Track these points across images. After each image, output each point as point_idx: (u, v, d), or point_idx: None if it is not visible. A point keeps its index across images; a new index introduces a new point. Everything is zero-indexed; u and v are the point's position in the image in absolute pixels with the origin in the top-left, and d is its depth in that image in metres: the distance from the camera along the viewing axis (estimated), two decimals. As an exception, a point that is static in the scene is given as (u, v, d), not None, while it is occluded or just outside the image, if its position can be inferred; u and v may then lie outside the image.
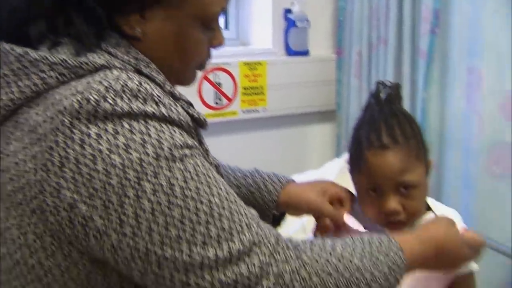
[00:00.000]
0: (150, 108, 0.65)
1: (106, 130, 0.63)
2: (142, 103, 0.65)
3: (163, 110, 0.67)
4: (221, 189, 0.69)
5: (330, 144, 2.28)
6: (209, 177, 0.69)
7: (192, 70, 0.84)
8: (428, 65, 1.73)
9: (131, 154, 0.63)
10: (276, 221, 1.09)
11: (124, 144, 0.63)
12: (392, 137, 0.93)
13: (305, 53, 2.13)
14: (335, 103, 2.19)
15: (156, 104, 0.66)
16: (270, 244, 0.70)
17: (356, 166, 0.97)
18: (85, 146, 0.63)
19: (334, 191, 1.01)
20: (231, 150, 2.03)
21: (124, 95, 0.64)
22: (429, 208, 1.00)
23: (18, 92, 0.66)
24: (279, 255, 0.69)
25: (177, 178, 0.65)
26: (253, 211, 0.73)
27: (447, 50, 1.69)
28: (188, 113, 0.73)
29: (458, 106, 1.66)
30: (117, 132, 0.63)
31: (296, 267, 0.70)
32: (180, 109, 0.70)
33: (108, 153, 0.63)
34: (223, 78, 1.97)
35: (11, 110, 0.67)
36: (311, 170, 1.99)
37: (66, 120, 0.63)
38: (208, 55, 0.83)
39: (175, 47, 0.76)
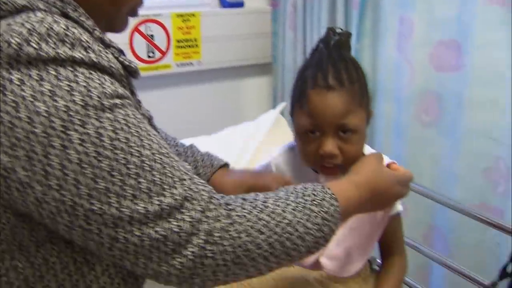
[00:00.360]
0: (78, 53, 0.62)
1: (30, 76, 0.60)
2: (69, 48, 0.61)
3: (92, 56, 0.63)
4: (152, 141, 0.67)
5: (266, 96, 2.28)
6: (141, 128, 0.66)
7: (123, 15, 0.80)
8: (360, 16, 1.73)
9: (56, 101, 0.60)
10: None
11: (49, 90, 0.60)
12: (338, 79, 0.93)
13: (240, 4, 2.09)
14: (271, 55, 2.18)
15: (85, 49, 0.63)
16: (202, 200, 0.68)
17: (299, 105, 0.97)
18: (7, 93, 0.59)
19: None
20: (165, 104, 1.99)
21: (49, 39, 0.61)
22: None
23: None
24: (211, 212, 0.68)
25: (106, 128, 0.62)
26: (187, 166, 0.71)
27: (379, 0, 1.70)
28: (119, 61, 0.70)
29: (389, 56, 1.69)
30: (42, 78, 0.60)
31: (226, 225, 0.68)
32: (110, 56, 0.67)
33: (32, 100, 0.59)
34: (155, 30, 1.90)
35: None
36: (246, 122, 1.99)
37: None
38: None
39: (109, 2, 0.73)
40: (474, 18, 1.43)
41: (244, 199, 0.73)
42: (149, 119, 0.80)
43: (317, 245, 0.76)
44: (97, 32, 0.69)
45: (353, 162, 0.96)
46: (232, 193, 0.85)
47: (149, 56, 1.91)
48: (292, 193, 0.76)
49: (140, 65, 1.83)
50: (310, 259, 1.06)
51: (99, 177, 0.61)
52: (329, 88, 0.92)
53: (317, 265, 1.06)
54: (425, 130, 1.61)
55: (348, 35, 1.01)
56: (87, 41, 0.63)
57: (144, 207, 0.63)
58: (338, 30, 1.00)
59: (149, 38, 1.90)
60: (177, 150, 1.08)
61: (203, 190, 0.69)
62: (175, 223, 0.65)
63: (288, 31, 2.06)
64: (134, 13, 0.81)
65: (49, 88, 0.60)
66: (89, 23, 0.68)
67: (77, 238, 0.65)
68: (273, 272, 0.75)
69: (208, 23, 2.01)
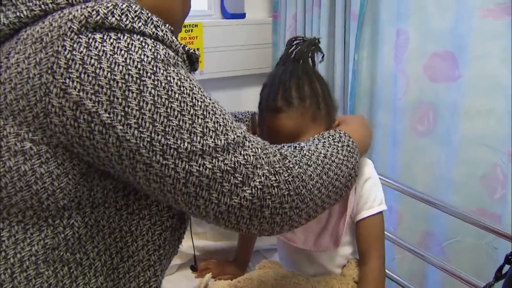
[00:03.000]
0: (149, 29, 0.72)
1: (110, 36, 0.69)
2: (143, 24, 0.72)
3: (160, 33, 0.73)
4: (207, 96, 0.75)
5: (266, 106, 2.31)
6: (196, 83, 0.75)
7: (179, 24, 0.92)
8: (359, 27, 1.77)
9: (132, 54, 0.68)
10: None
11: (125, 47, 0.69)
12: (286, 100, 0.96)
13: (241, 16, 2.13)
14: (271, 66, 2.22)
15: (155, 27, 0.73)
16: (257, 141, 0.77)
17: (260, 124, 1.03)
18: (91, 48, 0.67)
19: None
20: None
21: (129, 14, 0.71)
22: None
23: (27, 10, 0.71)
24: (267, 149, 0.77)
25: (173, 77, 0.71)
26: (238, 122, 0.83)
27: (377, 12, 1.74)
28: (184, 49, 0.79)
29: (386, 67, 1.72)
30: (119, 38, 0.69)
31: (281, 159, 0.78)
32: (175, 39, 0.75)
33: (111, 53, 0.68)
34: (159, 39, 1.94)
35: (15, 29, 0.71)
36: (248, 131, 2.02)
37: (74, 27, 0.67)
38: (189, 7, 0.92)
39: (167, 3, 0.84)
40: (470, 31, 1.47)
41: (282, 146, 0.84)
42: None
43: (351, 177, 0.90)
44: (153, 16, 0.76)
45: None
46: None
47: (152, 65, 1.94)
48: (313, 139, 0.90)
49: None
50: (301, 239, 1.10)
51: (172, 115, 0.69)
52: (278, 111, 0.96)
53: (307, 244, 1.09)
54: (421, 139, 1.64)
55: (312, 43, 1.02)
56: (157, 21, 0.74)
57: (214, 141, 0.71)
58: (296, 42, 1.02)
59: (153, 48, 1.93)
60: None
61: (257, 141, 0.78)
62: (241, 156, 0.73)
63: (288, 42, 2.10)
64: None
65: (125, 45, 0.69)
66: (156, 18, 0.76)
67: (154, 178, 0.71)
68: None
69: (210, 34, 2.05)
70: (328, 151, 0.87)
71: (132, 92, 0.68)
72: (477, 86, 1.48)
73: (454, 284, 1.33)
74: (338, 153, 0.88)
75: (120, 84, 0.67)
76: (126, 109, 0.67)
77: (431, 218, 1.61)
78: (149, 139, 0.68)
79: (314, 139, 0.90)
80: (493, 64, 1.44)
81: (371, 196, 1.07)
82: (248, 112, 1.26)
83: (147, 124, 0.68)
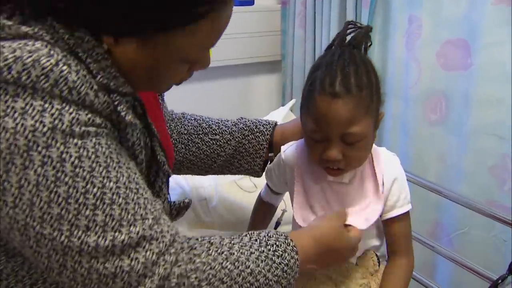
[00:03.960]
0: (57, 90, 0.62)
1: (6, 93, 0.60)
2: (50, 84, 0.61)
3: (74, 95, 0.63)
4: (122, 174, 0.66)
5: (275, 94, 2.29)
6: (112, 160, 0.66)
7: (164, 88, 0.82)
8: (371, 14, 1.74)
9: (25, 120, 0.60)
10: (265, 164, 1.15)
11: (21, 108, 0.60)
12: (345, 86, 0.89)
13: (250, 2, 2.10)
14: (280, 53, 2.19)
15: (69, 89, 0.62)
16: (162, 242, 0.67)
17: (306, 107, 0.95)
18: None
19: None
20: (174, 101, 2.00)
21: (32, 71, 0.60)
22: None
23: None
24: (170, 256, 0.67)
25: (71, 154, 0.62)
26: (158, 205, 0.71)
27: (389, -1, 1.71)
28: (116, 109, 0.68)
29: (398, 55, 1.69)
30: (17, 95, 0.60)
31: (186, 271, 0.68)
32: (102, 100, 0.66)
33: (2, 115, 0.59)
34: (167, 26, 1.92)
35: None
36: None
37: None
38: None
39: (146, 75, 0.73)
40: (483, 18, 1.44)
41: (210, 243, 0.74)
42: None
43: None
44: (102, 79, 0.67)
45: (358, 165, 0.98)
46: (295, 136, 1.02)
47: (160, 52, 1.92)
48: (256, 241, 0.79)
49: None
50: None
51: (54, 202, 0.61)
52: (335, 96, 0.89)
53: None
54: (432, 128, 1.62)
55: (367, 30, 0.97)
56: (74, 82, 0.63)
57: (95, 241, 0.63)
58: (358, 25, 0.98)
59: (161, 35, 1.91)
60: (233, 122, 1.16)
61: (167, 232, 0.68)
62: (127, 261, 0.64)
63: (298, 29, 2.08)
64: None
65: (22, 106, 0.60)
66: (96, 66, 0.67)
67: (29, 256, 0.66)
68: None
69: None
70: (258, 266, 0.74)
71: (16, 167, 0.60)
72: (488, 75, 1.45)
73: (464, 275, 1.31)
74: (269, 272, 0.75)
75: (3, 155, 0.59)
76: (6, 184, 0.60)
77: (441, 208, 1.59)
78: (23, 223, 0.61)
79: (252, 242, 0.78)
80: (506, 52, 1.41)
81: (402, 194, 1.04)
82: (270, 123, 1.17)
83: (24, 207, 0.61)
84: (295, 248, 0.81)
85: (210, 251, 0.72)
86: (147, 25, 0.67)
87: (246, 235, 0.80)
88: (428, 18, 1.59)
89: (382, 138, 1.77)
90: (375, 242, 1.12)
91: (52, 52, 0.63)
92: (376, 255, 1.11)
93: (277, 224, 1.27)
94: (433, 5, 1.57)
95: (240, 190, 1.55)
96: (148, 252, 0.65)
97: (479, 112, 1.48)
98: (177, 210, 0.97)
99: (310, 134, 0.94)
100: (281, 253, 0.78)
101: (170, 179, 0.92)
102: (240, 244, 0.76)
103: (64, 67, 0.63)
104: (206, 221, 1.53)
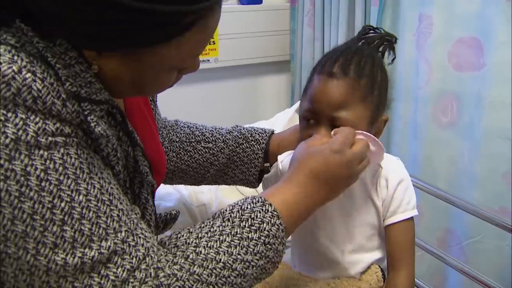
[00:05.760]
0: (20, 100, 0.58)
1: None
2: (12, 93, 0.57)
3: (39, 106, 0.59)
4: (94, 186, 0.63)
5: (284, 94, 2.26)
6: (82, 171, 0.62)
7: (153, 94, 0.80)
8: (380, 13, 1.70)
9: None
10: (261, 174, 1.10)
11: None
12: (343, 68, 0.89)
13: (258, 1, 2.07)
14: (289, 53, 2.15)
15: (33, 98, 0.59)
16: (135, 256, 0.64)
17: (305, 87, 0.95)
18: None
19: None
20: (181, 101, 1.99)
21: None
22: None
23: None
24: (141, 272, 0.64)
25: (36, 167, 0.58)
26: (134, 215, 0.67)
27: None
28: (86, 119, 0.64)
29: (408, 54, 1.65)
30: None
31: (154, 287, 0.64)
32: (69, 110, 0.62)
33: None
34: (172, 26, 1.89)
35: None
36: (262, 121, 1.97)
37: None
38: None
39: (132, 85, 0.70)
40: (497, 15, 1.39)
41: (177, 247, 0.69)
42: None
43: (264, 271, 0.72)
44: (70, 86, 0.63)
45: None
46: (293, 145, 0.90)
47: (165, 53, 1.90)
48: (228, 220, 0.72)
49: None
50: None
51: (18, 218, 0.57)
52: (330, 75, 0.88)
53: None
54: (443, 131, 1.57)
55: (386, 38, 0.97)
56: (38, 90, 0.59)
57: (63, 258, 0.59)
58: (371, 31, 0.97)
59: (166, 35, 1.89)
60: (228, 130, 1.12)
61: (141, 245, 0.65)
62: (97, 279, 0.61)
63: (307, 28, 2.04)
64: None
65: None
66: (65, 72, 0.63)
67: None
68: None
69: (225, 20, 1.98)
70: (232, 255, 0.69)
71: None
72: (502, 75, 1.40)
73: (476, 285, 1.26)
74: (247, 254, 0.69)
75: None
76: None
77: (451, 215, 1.54)
78: None
79: (224, 225, 0.71)
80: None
81: (405, 199, 1.00)
82: (266, 131, 1.12)
83: None
84: (275, 212, 0.73)
85: (176, 258, 0.67)
86: (131, 41, 0.63)
87: (219, 216, 0.73)
88: (439, 16, 1.55)
89: (391, 140, 1.73)
90: (378, 254, 1.08)
91: (15, 58, 0.59)
92: (382, 270, 1.06)
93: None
94: (444, 3, 1.53)
95: (241, 195, 1.51)
96: (119, 269, 0.62)
97: (492, 114, 1.43)
98: (163, 223, 0.93)
99: (303, 114, 0.92)
100: (258, 225, 0.71)
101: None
102: (209, 235, 0.70)
103: (28, 75, 0.59)
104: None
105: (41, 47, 0.62)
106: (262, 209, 0.73)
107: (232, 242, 0.70)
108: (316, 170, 0.79)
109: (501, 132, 1.41)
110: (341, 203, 0.97)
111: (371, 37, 0.96)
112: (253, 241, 0.71)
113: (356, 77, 0.89)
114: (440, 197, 1.31)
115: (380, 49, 0.99)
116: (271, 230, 0.72)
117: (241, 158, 1.10)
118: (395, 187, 0.99)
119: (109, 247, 0.62)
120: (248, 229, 0.71)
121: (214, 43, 1.98)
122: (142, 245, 0.65)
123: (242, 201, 0.76)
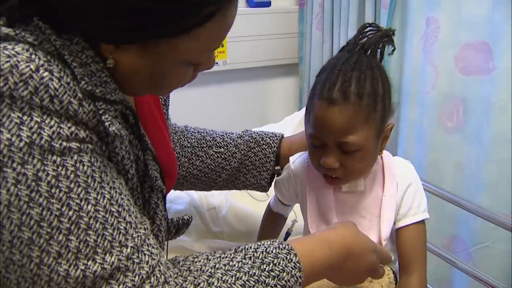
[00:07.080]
0: (37, 99, 0.58)
1: None
2: (30, 92, 0.57)
3: (55, 106, 0.59)
4: (104, 196, 0.62)
5: (293, 97, 2.26)
6: (94, 180, 0.61)
7: (168, 91, 0.80)
8: (390, 16, 1.69)
9: (1, 133, 0.56)
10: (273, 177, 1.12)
11: None
12: (343, 93, 0.86)
13: (267, 4, 2.07)
14: (297, 56, 2.15)
15: (50, 97, 0.59)
16: (139, 275, 0.62)
17: (307, 111, 0.93)
18: None
19: None
20: (189, 104, 2.00)
21: (10, 78, 0.57)
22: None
23: None
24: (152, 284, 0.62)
25: (47, 173, 0.58)
26: (143, 230, 0.66)
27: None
28: (100, 119, 0.64)
29: (415, 58, 1.64)
30: None
31: None
32: (86, 110, 0.62)
33: None
34: (180, 30, 1.90)
35: None
36: (271, 124, 1.98)
37: None
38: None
39: (149, 79, 0.70)
40: (507, 19, 1.37)
41: (189, 271, 0.68)
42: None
43: None
44: (86, 84, 0.62)
45: (357, 176, 0.94)
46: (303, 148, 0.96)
47: (174, 56, 1.91)
48: (250, 259, 0.71)
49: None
50: None
51: (25, 225, 0.57)
52: (331, 102, 0.86)
53: None
54: (449, 136, 1.56)
55: (379, 37, 0.94)
56: (55, 89, 0.59)
57: (66, 270, 0.58)
58: (369, 29, 0.95)
59: (174, 39, 1.90)
60: (239, 134, 1.13)
61: (146, 263, 0.63)
62: None
63: (315, 31, 2.04)
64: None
65: None
66: (81, 70, 0.63)
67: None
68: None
69: (234, 22, 1.99)
70: None
71: None
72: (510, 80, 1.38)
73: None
74: None
75: None
76: None
77: (458, 220, 1.53)
78: None
79: (244, 262, 0.70)
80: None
81: (415, 202, 0.99)
82: (276, 135, 1.13)
83: None
84: (298, 264, 0.71)
85: (186, 283, 0.65)
86: (152, 32, 0.63)
87: (241, 251, 0.73)
88: (446, 20, 1.53)
89: (397, 145, 1.72)
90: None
91: (33, 56, 0.59)
92: (394, 272, 1.05)
93: (287, 234, 1.23)
94: (451, 6, 1.51)
95: (251, 199, 1.51)
96: (121, 286, 0.61)
97: (502, 119, 1.42)
98: (175, 228, 0.93)
99: (310, 139, 0.92)
100: (278, 272, 0.69)
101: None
102: (226, 268, 0.69)
103: (45, 74, 0.59)
104: (215, 231, 1.50)
105: (58, 45, 0.62)
106: (286, 258, 0.72)
107: (248, 282, 0.68)
108: (353, 252, 0.80)
109: (510, 137, 1.39)
110: (354, 201, 0.98)
111: (368, 42, 0.93)
112: (269, 287, 0.69)
113: (357, 99, 0.87)
114: (451, 201, 1.29)
115: (380, 48, 0.96)
116: (289, 281, 0.70)
117: (253, 162, 1.11)
118: (404, 190, 0.99)
119: (113, 263, 0.61)
120: (267, 273, 0.70)
121: (223, 46, 1.99)
122: (147, 262, 0.64)
123: (269, 243, 0.75)
